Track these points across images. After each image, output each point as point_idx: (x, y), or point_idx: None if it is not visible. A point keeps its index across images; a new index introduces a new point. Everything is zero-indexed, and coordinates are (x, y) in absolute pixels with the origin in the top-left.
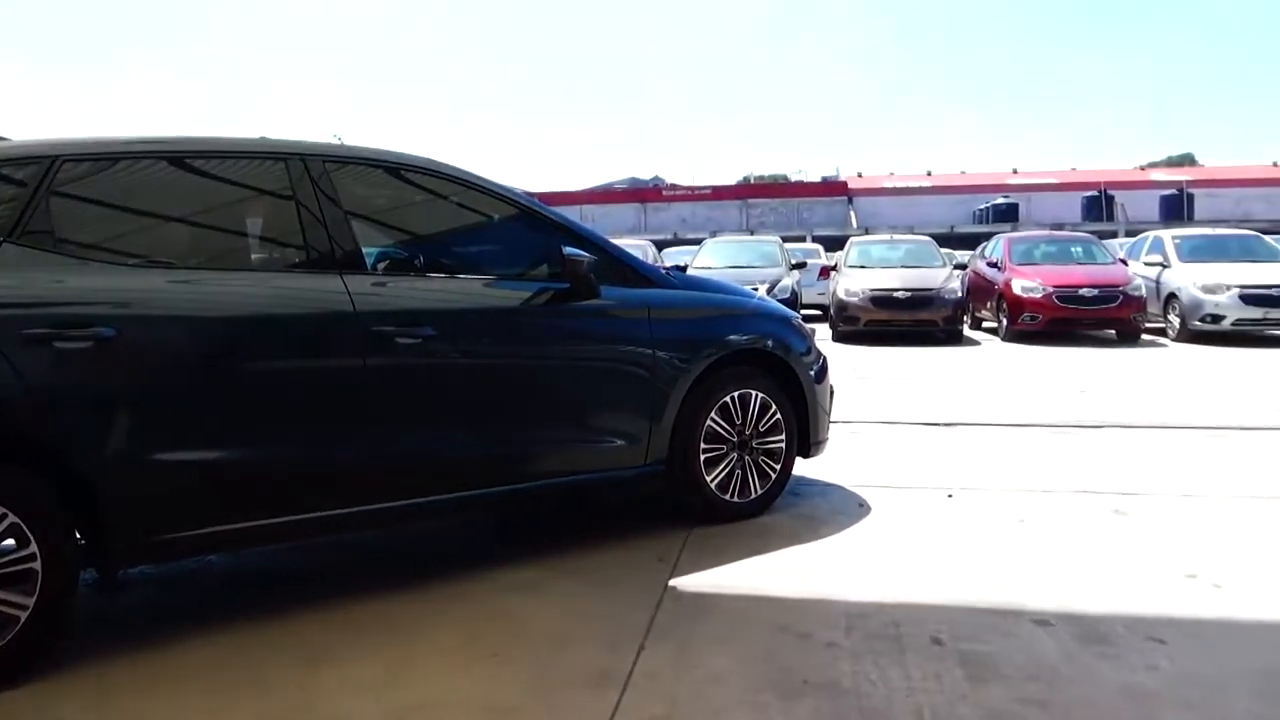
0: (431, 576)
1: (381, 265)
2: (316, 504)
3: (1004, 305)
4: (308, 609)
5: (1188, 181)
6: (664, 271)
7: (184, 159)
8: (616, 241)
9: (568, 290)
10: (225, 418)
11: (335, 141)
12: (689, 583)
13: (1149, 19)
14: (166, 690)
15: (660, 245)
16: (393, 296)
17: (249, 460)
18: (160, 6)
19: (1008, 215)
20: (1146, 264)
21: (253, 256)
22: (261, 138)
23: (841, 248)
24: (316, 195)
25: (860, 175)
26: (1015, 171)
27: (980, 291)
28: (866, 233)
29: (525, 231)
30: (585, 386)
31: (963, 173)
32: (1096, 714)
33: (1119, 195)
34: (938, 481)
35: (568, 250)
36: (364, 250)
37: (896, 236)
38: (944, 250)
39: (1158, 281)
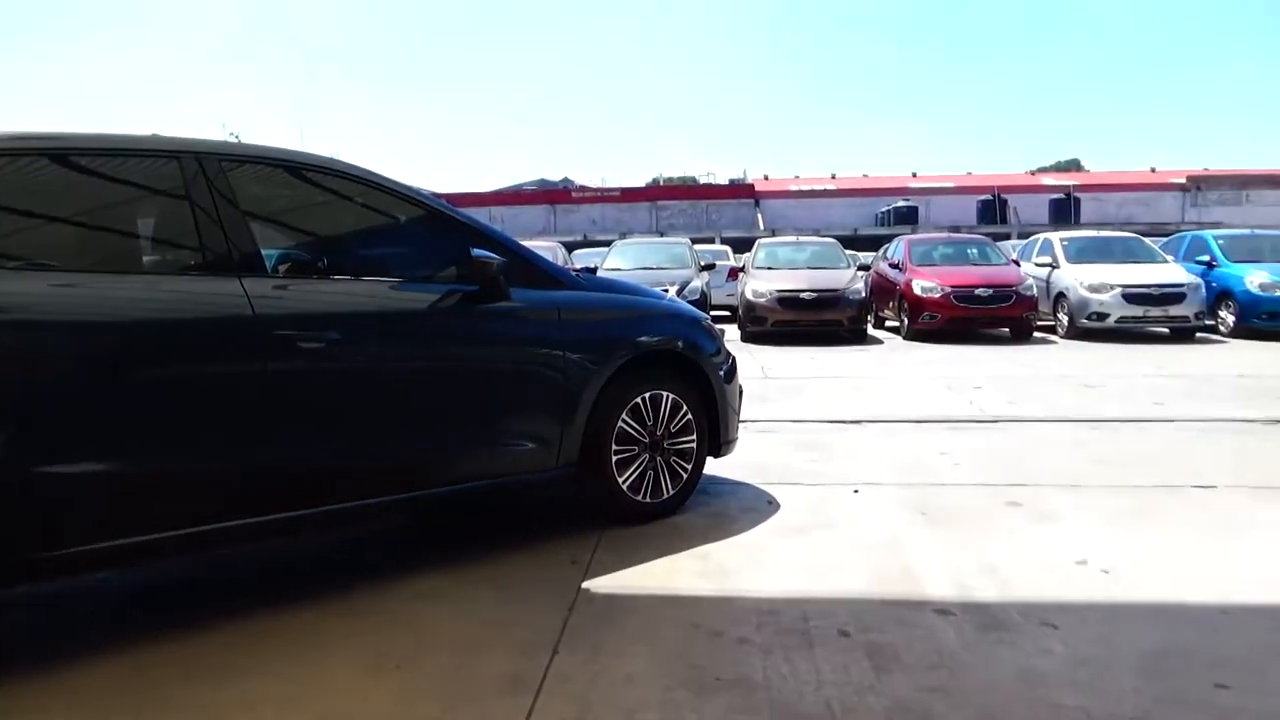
0: (339, 587)
1: (282, 268)
2: (216, 516)
3: (905, 305)
4: (210, 625)
5: (1074, 186)
6: (574, 273)
7: (68, 156)
8: (526, 243)
9: (476, 292)
10: (114, 428)
11: (232, 140)
12: (602, 584)
13: (1039, 30)
14: (59, 714)
15: (570, 247)
16: (294, 300)
17: (142, 472)
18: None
19: (908, 218)
20: (1037, 264)
21: (144, 259)
22: (153, 135)
23: (749, 249)
24: (212, 195)
25: (767, 178)
26: (915, 175)
27: (883, 292)
28: (773, 234)
29: (432, 233)
30: (495, 390)
31: (865, 176)
32: (995, 698)
33: (1011, 199)
34: (844, 477)
35: (476, 252)
36: (264, 252)
37: (802, 238)
38: (848, 252)
39: (1048, 281)
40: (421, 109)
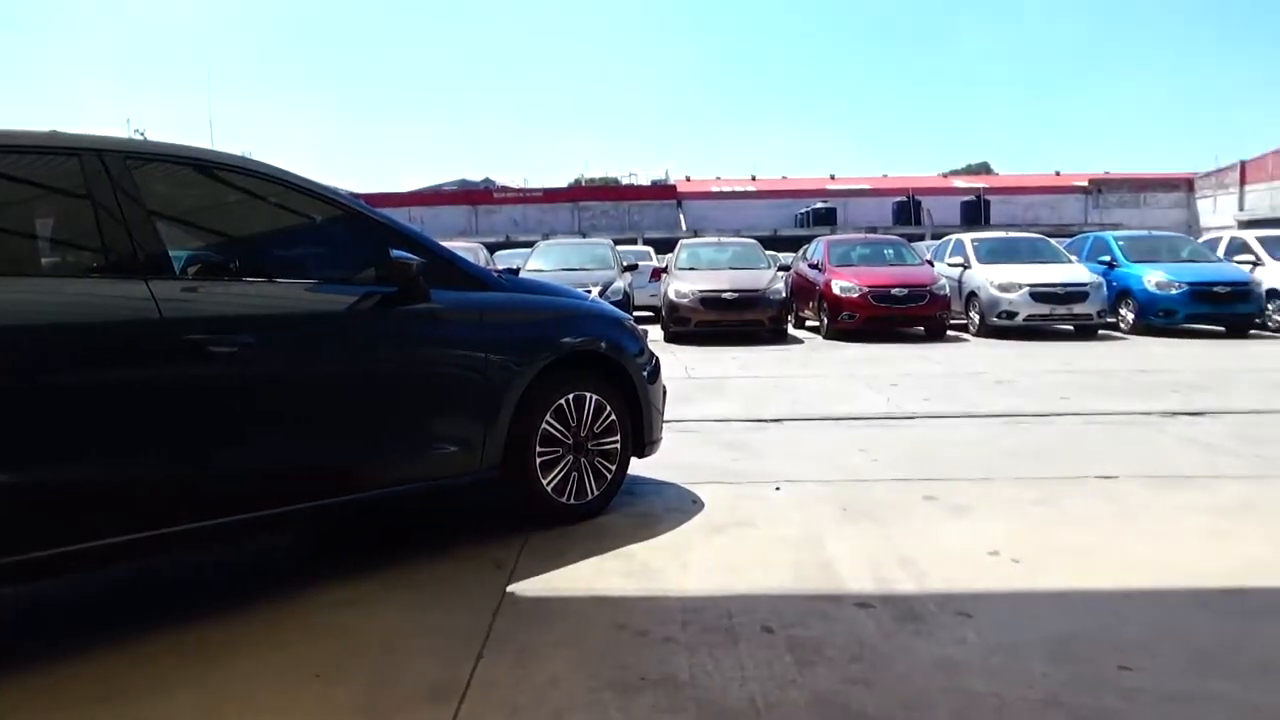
0: (255, 597)
1: (192, 269)
2: (124, 528)
3: (825, 305)
4: (114, 641)
5: (984, 189)
6: (495, 274)
7: None
8: (446, 244)
9: (395, 294)
10: (12, 437)
11: (137, 137)
12: (527, 587)
13: (951, 35)
14: None
15: (492, 248)
16: (205, 302)
17: (40, 483)
18: None
19: (827, 219)
20: (950, 265)
21: (43, 261)
22: (52, 131)
23: (672, 250)
24: (115, 194)
25: (689, 179)
26: (833, 178)
27: (803, 292)
28: (695, 235)
29: (350, 234)
30: (416, 393)
31: (784, 178)
32: (913, 688)
33: (925, 201)
34: (766, 475)
35: (395, 253)
36: (172, 254)
37: (724, 239)
38: (768, 252)
39: (960, 281)
40: (339, 107)
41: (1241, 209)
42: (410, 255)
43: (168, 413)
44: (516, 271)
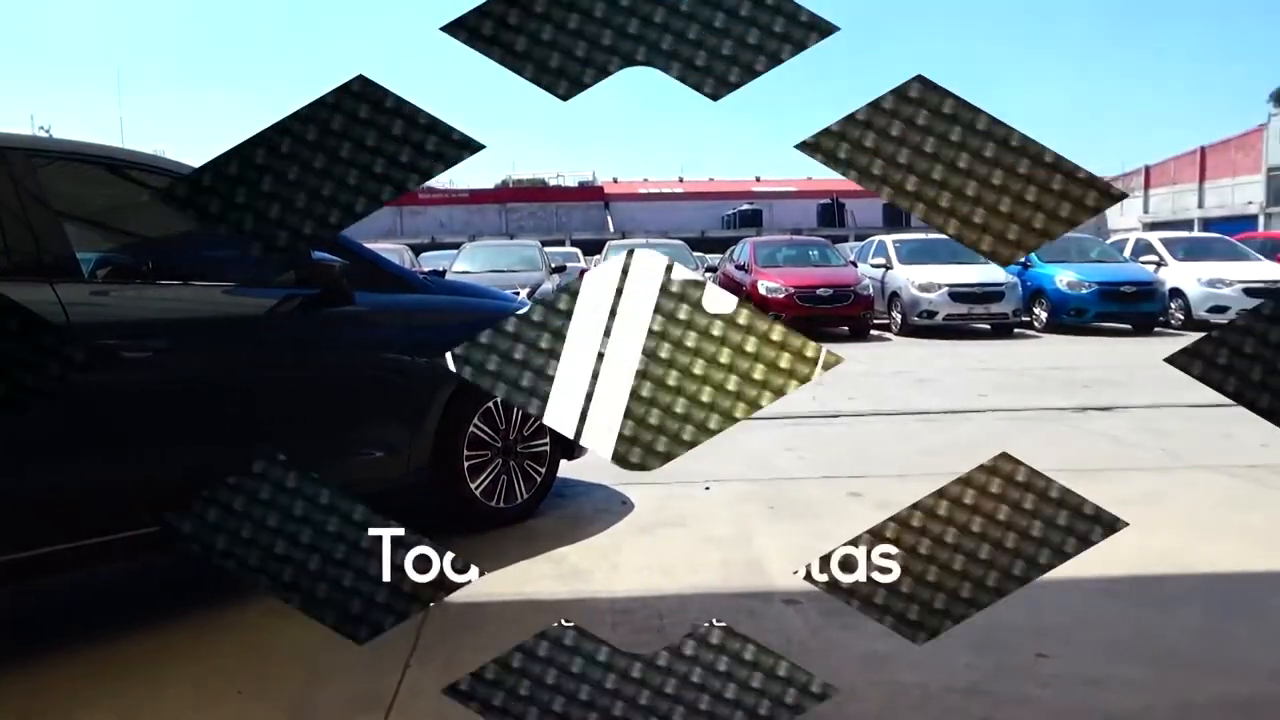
0: (173, 610)
1: (102, 272)
2: (32, 541)
3: (751, 305)
4: (37, 656)
5: None
6: (421, 276)
7: None
8: (371, 246)
9: (318, 297)
10: None
11: (42, 134)
12: (455, 594)
13: (870, 37)
14: None
15: (417, 249)
16: (116, 307)
17: None
18: None
19: (753, 220)
20: (873, 265)
21: None
22: None
23: (600, 251)
24: (18, 193)
25: (616, 180)
26: (758, 180)
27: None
28: (623, 237)
29: None
30: (340, 398)
31: (711, 179)
32: (841, 682)
33: (848, 203)
34: (695, 475)
35: (316, 255)
36: (81, 256)
37: (652, 240)
38: (696, 254)
39: (882, 281)
40: (257, 106)
41: (1146, 211)
42: (332, 257)
43: (76, 421)
44: (442, 273)
